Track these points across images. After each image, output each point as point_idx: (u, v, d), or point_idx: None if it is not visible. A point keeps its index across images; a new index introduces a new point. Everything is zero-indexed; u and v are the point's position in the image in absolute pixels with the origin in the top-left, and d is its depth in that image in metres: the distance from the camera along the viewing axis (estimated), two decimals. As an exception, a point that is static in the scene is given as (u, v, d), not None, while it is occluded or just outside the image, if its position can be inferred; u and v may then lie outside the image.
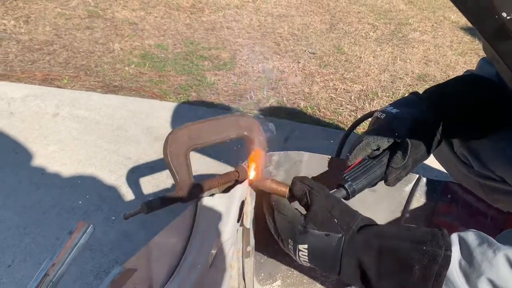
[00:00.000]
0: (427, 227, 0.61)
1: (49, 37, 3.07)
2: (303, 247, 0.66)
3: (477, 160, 0.96)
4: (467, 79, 0.98)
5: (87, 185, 1.72)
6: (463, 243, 0.57)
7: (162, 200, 0.80)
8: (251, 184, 0.88)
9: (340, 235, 0.64)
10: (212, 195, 0.88)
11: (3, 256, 1.40)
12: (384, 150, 0.84)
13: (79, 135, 2.01)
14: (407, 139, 0.80)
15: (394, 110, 0.86)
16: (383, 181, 0.84)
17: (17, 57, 2.75)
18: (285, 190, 0.75)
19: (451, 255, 0.55)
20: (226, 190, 0.92)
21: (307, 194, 0.69)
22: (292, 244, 0.69)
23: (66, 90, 2.40)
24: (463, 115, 0.88)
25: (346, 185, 0.78)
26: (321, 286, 1.15)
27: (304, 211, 0.70)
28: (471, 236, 0.57)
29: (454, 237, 0.59)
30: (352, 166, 0.83)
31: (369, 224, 0.66)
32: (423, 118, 0.84)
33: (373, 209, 1.05)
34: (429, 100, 0.89)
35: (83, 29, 3.23)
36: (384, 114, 0.86)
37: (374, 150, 0.83)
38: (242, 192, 0.92)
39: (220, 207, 0.89)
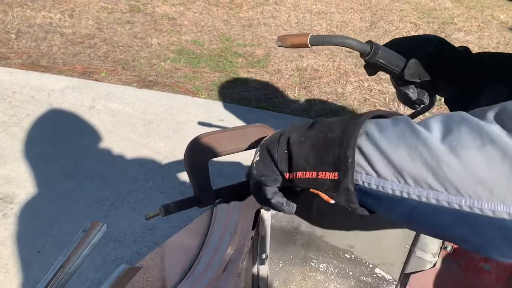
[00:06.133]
0: None
1: (91, 30, 3.17)
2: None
3: None
4: None
5: (116, 177, 1.77)
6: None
7: (179, 204, 0.82)
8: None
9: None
10: (228, 202, 0.89)
11: (34, 242, 1.47)
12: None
13: (112, 128, 2.08)
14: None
15: None
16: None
17: (60, 50, 2.86)
18: (305, 38, 0.74)
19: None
20: (242, 198, 0.92)
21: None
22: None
23: (103, 83, 2.47)
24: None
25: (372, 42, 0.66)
26: (337, 296, 1.14)
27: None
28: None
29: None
30: None
31: None
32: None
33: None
34: None
35: (123, 23, 3.31)
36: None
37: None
38: (257, 200, 0.92)
39: (236, 214, 0.89)
